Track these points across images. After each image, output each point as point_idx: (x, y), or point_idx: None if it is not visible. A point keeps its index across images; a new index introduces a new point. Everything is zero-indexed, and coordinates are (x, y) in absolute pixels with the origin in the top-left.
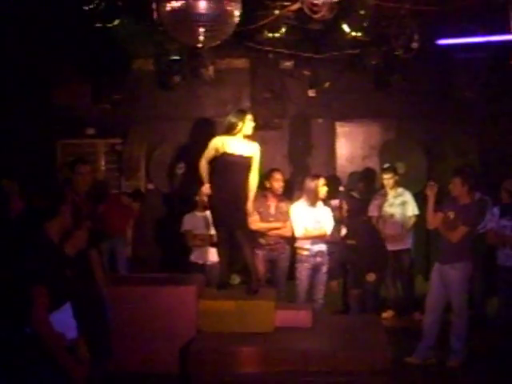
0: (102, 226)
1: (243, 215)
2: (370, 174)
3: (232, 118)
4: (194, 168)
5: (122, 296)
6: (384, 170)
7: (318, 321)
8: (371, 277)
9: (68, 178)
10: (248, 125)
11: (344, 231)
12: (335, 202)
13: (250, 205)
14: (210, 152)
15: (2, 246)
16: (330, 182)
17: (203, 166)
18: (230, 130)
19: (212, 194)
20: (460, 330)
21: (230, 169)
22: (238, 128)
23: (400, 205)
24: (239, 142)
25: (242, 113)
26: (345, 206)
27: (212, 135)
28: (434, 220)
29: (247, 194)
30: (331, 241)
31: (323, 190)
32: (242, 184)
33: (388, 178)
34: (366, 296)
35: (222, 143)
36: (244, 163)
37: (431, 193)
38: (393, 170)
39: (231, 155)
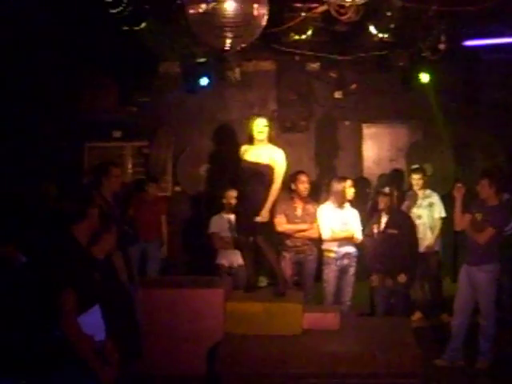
0: (135, 230)
1: (263, 223)
2: (397, 175)
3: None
4: (220, 170)
5: (150, 298)
6: (413, 171)
7: (345, 323)
8: (402, 278)
9: (97, 181)
10: (257, 130)
11: (385, 219)
12: (386, 190)
13: (266, 210)
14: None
15: (34, 250)
16: (357, 183)
17: None
18: (248, 138)
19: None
20: (488, 331)
21: (245, 176)
22: (253, 136)
23: (427, 206)
24: (259, 149)
25: (250, 119)
26: (395, 193)
27: (238, 138)
28: (461, 222)
29: (263, 200)
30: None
31: (350, 192)
32: (257, 191)
33: (417, 179)
34: (396, 298)
35: (244, 151)
36: (259, 171)
37: (459, 194)
38: (422, 171)
39: (246, 163)
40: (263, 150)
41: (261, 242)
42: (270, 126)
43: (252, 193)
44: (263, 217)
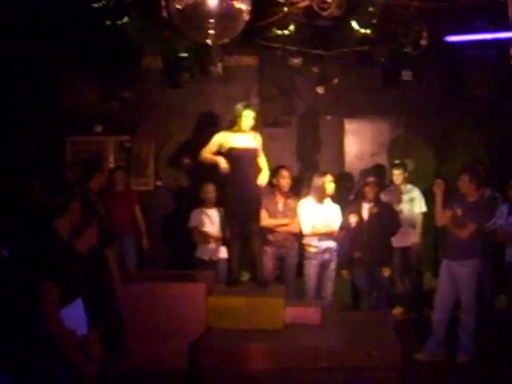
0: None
1: (257, 207)
2: (379, 170)
3: (233, 114)
4: (201, 165)
5: (131, 293)
6: (394, 166)
7: (326, 318)
8: (387, 271)
9: (87, 175)
10: (245, 121)
11: (366, 208)
12: (371, 179)
13: (265, 175)
14: (212, 146)
15: (15, 244)
16: (339, 178)
17: (204, 155)
18: (231, 125)
19: (225, 188)
20: (469, 326)
21: (238, 162)
22: (238, 124)
23: (408, 201)
24: (242, 135)
25: (240, 109)
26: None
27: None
28: (442, 217)
29: (257, 184)
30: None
31: (330, 187)
32: (252, 176)
33: (398, 174)
34: (379, 291)
35: (225, 138)
36: (251, 155)
37: (439, 190)
38: (403, 166)
39: (237, 149)
40: (245, 136)
41: (253, 227)
42: (256, 118)
43: (244, 177)
44: (263, 181)
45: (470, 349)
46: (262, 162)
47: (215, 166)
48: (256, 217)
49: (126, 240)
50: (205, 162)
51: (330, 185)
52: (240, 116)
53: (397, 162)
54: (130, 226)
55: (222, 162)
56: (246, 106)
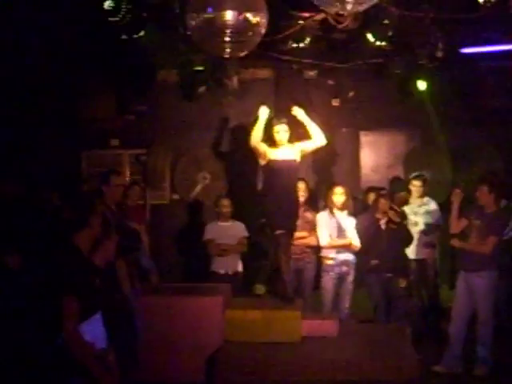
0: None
1: (295, 220)
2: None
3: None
4: (217, 178)
5: (149, 306)
6: (415, 178)
7: (344, 330)
8: (402, 282)
9: (98, 189)
10: (278, 136)
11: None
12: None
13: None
14: (263, 147)
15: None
16: (354, 191)
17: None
18: (267, 140)
19: (265, 202)
20: (486, 338)
21: (278, 174)
22: (273, 139)
23: (424, 214)
24: (282, 149)
25: (269, 126)
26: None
27: (236, 145)
28: (457, 226)
29: (297, 197)
30: None
31: (341, 199)
32: (292, 187)
33: (418, 186)
34: (396, 303)
35: (267, 151)
36: (290, 166)
37: (456, 199)
38: (423, 178)
39: (275, 161)
40: (286, 149)
41: (290, 239)
42: (289, 130)
43: (285, 189)
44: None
45: (488, 361)
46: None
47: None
48: (294, 230)
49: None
50: (253, 142)
51: (340, 197)
52: (273, 132)
53: (416, 173)
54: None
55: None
56: (278, 121)
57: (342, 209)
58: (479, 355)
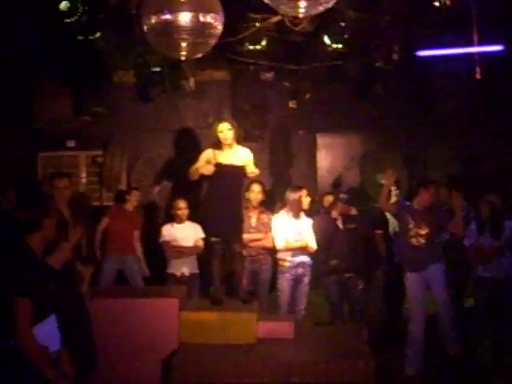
0: (108, 243)
1: (239, 227)
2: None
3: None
4: (173, 180)
5: (102, 308)
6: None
7: (300, 332)
8: (361, 284)
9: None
10: (222, 135)
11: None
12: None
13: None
14: (200, 162)
15: None
16: (310, 193)
17: (192, 171)
18: (215, 143)
19: (207, 205)
20: (451, 321)
21: (222, 179)
22: (219, 141)
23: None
24: (229, 152)
25: (214, 125)
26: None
27: (193, 147)
28: (386, 207)
29: (241, 204)
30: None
31: (306, 201)
32: (236, 194)
33: (394, 191)
34: (354, 304)
35: (213, 155)
36: (235, 173)
37: (389, 181)
38: (397, 183)
39: (222, 165)
40: (234, 153)
41: (237, 248)
42: (234, 129)
43: (227, 195)
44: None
45: (458, 340)
46: (253, 172)
47: (198, 179)
48: (239, 237)
49: (129, 258)
50: (193, 177)
51: (305, 199)
52: (216, 132)
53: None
54: (132, 245)
55: (206, 167)
56: (219, 121)
57: (303, 210)
58: (451, 337)
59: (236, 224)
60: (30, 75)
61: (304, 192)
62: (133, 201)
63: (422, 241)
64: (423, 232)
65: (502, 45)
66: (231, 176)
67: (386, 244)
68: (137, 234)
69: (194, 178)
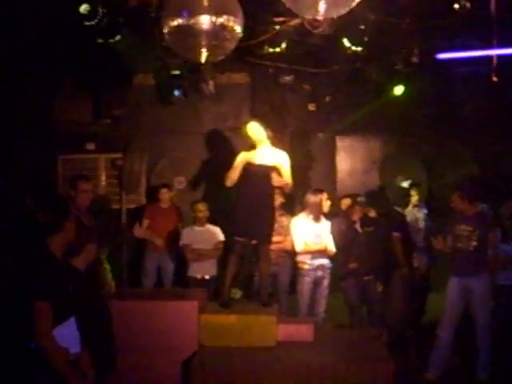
0: (148, 242)
1: (269, 228)
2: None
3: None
4: (193, 182)
5: (123, 310)
6: (412, 187)
7: (319, 335)
8: (380, 287)
9: (70, 195)
10: (253, 135)
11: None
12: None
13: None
14: (237, 168)
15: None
16: (330, 196)
17: (231, 176)
18: (250, 145)
19: (236, 204)
20: (487, 342)
21: (252, 179)
22: (251, 142)
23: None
24: (263, 152)
25: (245, 128)
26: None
27: (213, 150)
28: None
29: (273, 204)
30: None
31: (327, 205)
32: (266, 194)
33: (415, 195)
34: (373, 307)
35: (249, 157)
36: (265, 172)
37: (440, 246)
38: (419, 186)
39: (252, 165)
40: (266, 153)
41: (263, 249)
42: (264, 129)
43: (258, 194)
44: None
45: (490, 365)
46: (287, 175)
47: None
48: (268, 239)
49: (164, 256)
50: (230, 181)
51: (326, 202)
52: (247, 134)
53: (410, 182)
54: (170, 243)
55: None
56: (248, 122)
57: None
58: (481, 360)
59: (266, 225)
60: (50, 78)
61: (324, 195)
62: (162, 198)
63: (473, 244)
64: (472, 235)
65: None
66: (261, 176)
67: (403, 246)
68: (180, 226)
69: (231, 180)
